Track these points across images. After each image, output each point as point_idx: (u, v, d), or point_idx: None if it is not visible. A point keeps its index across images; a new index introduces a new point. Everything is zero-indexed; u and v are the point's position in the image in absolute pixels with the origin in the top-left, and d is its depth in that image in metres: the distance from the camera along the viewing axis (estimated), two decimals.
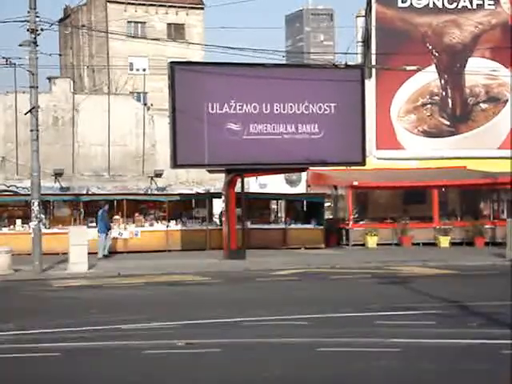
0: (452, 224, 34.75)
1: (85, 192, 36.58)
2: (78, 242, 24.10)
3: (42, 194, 26.20)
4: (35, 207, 24.40)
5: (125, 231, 32.53)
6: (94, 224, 30.47)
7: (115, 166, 39.36)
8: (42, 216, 28.14)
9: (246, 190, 30.38)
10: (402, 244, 34.17)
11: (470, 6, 38.99)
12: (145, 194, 36.97)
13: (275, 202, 37.10)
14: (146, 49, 50.19)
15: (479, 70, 37.65)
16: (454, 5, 38.87)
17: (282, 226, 34.54)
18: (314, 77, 28.90)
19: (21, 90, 35.18)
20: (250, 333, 12.71)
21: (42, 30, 24.51)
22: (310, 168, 32.36)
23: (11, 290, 20.36)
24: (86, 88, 53.70)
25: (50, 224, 31.91)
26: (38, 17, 24.44)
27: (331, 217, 37.83)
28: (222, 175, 29.38)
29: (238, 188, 29.03)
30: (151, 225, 33.24)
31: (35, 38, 24.40)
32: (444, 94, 39.21)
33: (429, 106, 39.12)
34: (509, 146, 38.16)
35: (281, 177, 39.06)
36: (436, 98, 39.18)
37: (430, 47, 38.75)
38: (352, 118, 29.08)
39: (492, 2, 39.19)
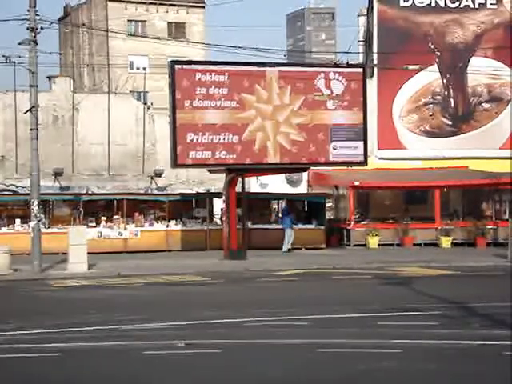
0: (454, 224, 34.64)
1: (84, 191, 36.47)
2: (78, 242, 24.02)
3: (42, 194, 26.10)
4: (35, 207, 24.30)
5: (125, 231, 32.45)
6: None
7: (115, 166, 39.24)
8: (42, 215, 28.04)
9: (246, 190, 30.27)
10: (404, 244, 34.08)
11: (472, 5, 38.86)
12: (145, 194, 36.88)
13: (276, 202, 36.99)
14: (147, 47, 50.03)
15: (481, 70, 37.51)
16: (457, 4, 38.74)
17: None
18: (316, 76, 28.80)
19: (20, 88, 35.01)
20: (250, 333, 12.63)
21: (41, 28, 24.41)
22: (311, 168, 32.23)
23: (11, 290, 20.30)
24: (85, 87, 53.59)
25: (49, 224, 31.84)
26: (37, 15, 24.34)
27: (332, 217, 37.74)
28: (223, 175, 29.27)
29: (238, 188, 28.92)
30: (151, 225, 33.14)
31: (35, 37, 24.30)
32: (446, 93, 39.10)
33: (431, 105, 38.99)
34: (510, 147, 38.08)
35: (282, 177, 38.94)
36: (438, 97, 39.06)
37: (432, 46, 38.62)
38: (353, 118, 29.00)
39: (494, 1, 39.06)
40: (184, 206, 34.15)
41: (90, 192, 36.62)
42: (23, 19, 24.30)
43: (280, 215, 34.18)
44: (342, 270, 24.51)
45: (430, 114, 39.03)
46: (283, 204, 33.50)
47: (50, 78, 39.90)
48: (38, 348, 11.47)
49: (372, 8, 39.11)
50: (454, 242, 34.00)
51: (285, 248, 31.41)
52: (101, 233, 32.08)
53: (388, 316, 14.24)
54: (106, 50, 52.34)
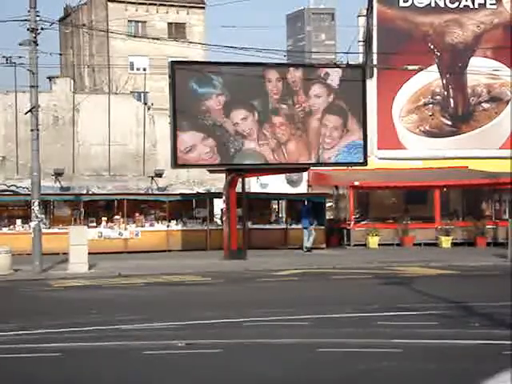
0: (453, 224, 34.68)
1: (85, 192, 36.54)
2: (78, 242, 24.05)
3: (42, 194, 26.13)
4: (35, 207, 24.34)
5: (125, 231, 32.48)
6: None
7: (115, 166, 39.30)
8: (42, 216, 28.07)
9: (246, 190, 30.30)
10: (404, 244, 34.13)
11: (471, 6, 38.92)
12: (145, 194, 36.93)
13: (276, 202, 37.03)
14: (147, 48, 50.12)
15: (481, 70, 37.55)
16: (456, 4, 38.79)
17: (283, 226, 34.47)
18: (316, 76, 28.84)
19: (21, 89, 35.11)
20: (250, 333, 12.64)
21: (42, 29, 24.43)
22: (311, 168, 32.25)
23: (11, 290, 20.32)
24: (86, 87, 53.65)
25: (50, 224, 31.86)
26: (38, 16, 24.36)
27: (332, 217, 37.76)
28: (223, 175, 29.30)
29: (238, 188, 28.95)
30: (152, 225, 33.18)
31: (35, 37, 24.32)
32: (446, 93, 39.14)
33: (430, 105, 39.04)
34: (510, 146, 38.12)
35: (282, 177, 38.98)
36: (438, 97, 39.10)
37: (432, 47, 38.67)
38: (353, 118, 29.02)
39: (494, 2, 39.12)
40: (184, 206, 34.19)
41: (90, 192, 36.70)
42: (24, 20, 24.33)
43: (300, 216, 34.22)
44: (342, 269, 24.52)
45: (430, 114, 39.07)
46: (305, 206, 33.49)
47: (50, 78, 39.99)
48: (38, 348, 11.48)
49: (372, 8, 39.16)
50: (454, 241, 34.04)
51: (309, 245, 31.74)
52: (101, 233, 32.12)
53: (388, 316, 14.23)
54: (106, 51, 52.42)
